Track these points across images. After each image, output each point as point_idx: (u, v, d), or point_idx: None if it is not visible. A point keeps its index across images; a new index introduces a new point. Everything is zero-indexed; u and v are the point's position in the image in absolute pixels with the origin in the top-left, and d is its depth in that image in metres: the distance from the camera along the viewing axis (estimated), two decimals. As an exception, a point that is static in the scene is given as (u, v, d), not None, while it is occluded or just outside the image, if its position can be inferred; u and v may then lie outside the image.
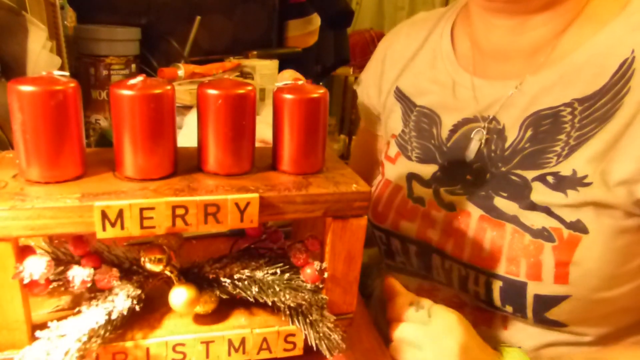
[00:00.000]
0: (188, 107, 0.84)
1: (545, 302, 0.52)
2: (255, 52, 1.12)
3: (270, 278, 0.42)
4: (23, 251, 0.37)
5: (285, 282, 0.42)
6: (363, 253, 0.85)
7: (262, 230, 0.48)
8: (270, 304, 0.42)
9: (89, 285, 0.39)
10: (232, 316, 0.44)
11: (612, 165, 0.49)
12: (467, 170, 0.58)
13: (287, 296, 0.41)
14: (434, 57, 0.67)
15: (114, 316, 0.39)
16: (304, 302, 0.42)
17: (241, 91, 0.40)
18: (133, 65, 1.08)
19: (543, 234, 0.51)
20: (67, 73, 0.38)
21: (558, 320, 0.53)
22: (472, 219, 0.56)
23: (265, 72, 0.98)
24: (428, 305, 0.49)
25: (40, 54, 0.76)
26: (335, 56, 1.55)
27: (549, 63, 0.54)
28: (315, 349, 0.43)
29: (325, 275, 0.44)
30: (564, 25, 0.54)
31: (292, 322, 0.43)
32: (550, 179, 0.52)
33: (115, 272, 0.40)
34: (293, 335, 0.44)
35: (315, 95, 0.42)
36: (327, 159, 0.47)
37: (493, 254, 0.54)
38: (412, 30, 0.72)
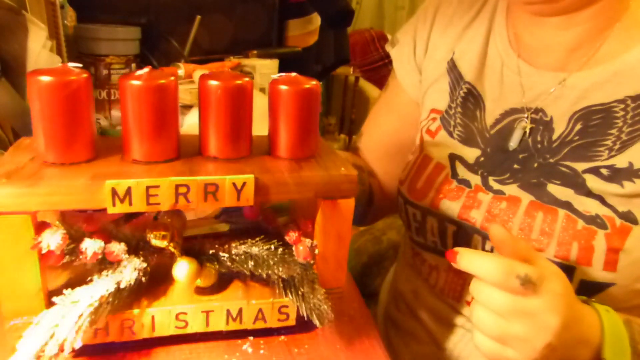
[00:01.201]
0: (188, 107, 0.85)
1: (590, 288, 0.53)
2: (255, 52, 1.13)
3: (265, 253, 0.46)
4: (40, 226, 0.41)
5: (278, 256, 0.46)
6: (363, 253, 0.88)
7: (259, 212, 0.52)
8: (264, 276, 0.46)
9: (99, 257, 0.43)
10: (230, 289, 0.48)
11: None
12: (513, 159, 0.59)
13: (280, 269, 0.45)
14: (488, 31, 0.66)
15: (122, 285, 0.43)
16: (296, 276, 0.46)
17: (239, 82, 0.44)
18: (133, 65, 1.07)
19: (596, 221, 0.52)
20: (80, 65, 0.42)
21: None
22: (522, 204, 0.56)
23: (265, 72, 0.99)
24: (536, 277, 0.42)
25: (40, 53, 0.76)
26: (336, 56, 1.55)
27: (596, 61, 0.56)
28: (306, 319, 0.47)
29: (316, 252, 0.47)
30: (608, 24, 0.55)
31: (285, 295, 0.47)
32: (604, 171, 0.53)
33: (123, 246, 0.44)
34: (286, 307, 0.48)
35: (308, 86, 0.46)
36: (319, 146, 0.50)
37: (544, 237, 0.54)
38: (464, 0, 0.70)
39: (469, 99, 0.64)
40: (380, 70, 3.08)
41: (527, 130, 0.58)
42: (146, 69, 0.43)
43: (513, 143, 0.59)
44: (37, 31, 0.77)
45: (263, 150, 0.49)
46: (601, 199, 0.53)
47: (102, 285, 0.42)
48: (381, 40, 3.04)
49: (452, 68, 0.67)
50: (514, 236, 0.46)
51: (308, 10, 1.32)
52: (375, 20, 3.35)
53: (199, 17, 1.07)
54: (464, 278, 0.61)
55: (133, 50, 1.07)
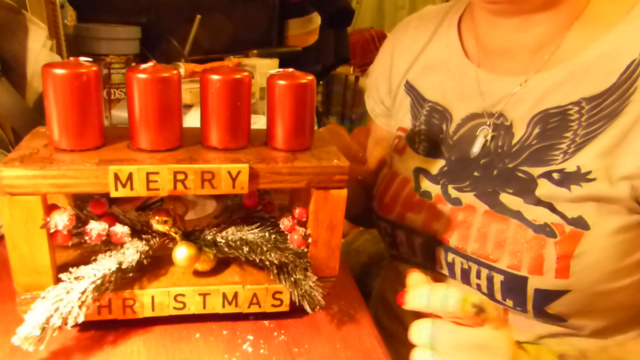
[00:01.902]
0: (188, 107, 0.85)
1: (545, 297, 0.53)
2: (255, 51, 1.13)
3: (259, 240, 0.48)
4: (50, 208, 0.45)
5: (272, 243, 0.48)
6: (362, 252, 0.89)
7: (257, 201, 0.54)
8: (258, 261, 0.48)
9: (104, 238, 0.46)
10: (227, 274, 0.51)
11: (617, 161, 0.50)
12: (475, 166, 0.59)
13: (273, 255, 0.47)
14: (442, 50, 0.67)
15: (124, 266, 0.46)
16: (288, 262, 0.48)
17: (238, 76, 0.47)
18: (133, 64, 1.06)
19: (545, 230, 0.53)
20: (90, 59, 0.45)
21: (557, 315, 0.55)
22: (477, 213, 0.58)
23: (265, 71, 0.97)
24: (487, 307, 0.39)
25: (41, 52, 0.77)
26: (336, 55, 1.56)
27: (556, 61, 0.56)
28: (297, 304, 0.48)
29: (310, 240, 0.49)
30: (568, 22, 0.55)
31: (279, 281, 0.49)
32: (555, 175, 0.53)
33: (127, 229, 0.47)
34: (280, 292, 0.50)
35: (304, 81, 0.48)
36: (316, 139, 0.52)
37: (496, 248, 0.55)
38: (420, 24, 0.73)
39: (433, 116, 0.65)
40: None
41: (489, 138, 0.59)
42: (150, 63, 0.45)
43: (475, 150, 0.60)
44: (37, 30, 0.77)
45: (261, 141, 0.51)
46: (550, 207, 0.53)
47: (105, 265, 0.45)
48: (381, 40, 3.04)
49: (411, 89, 0.70)
50: (431, 282, 0.42)
51: (308, 9, 1.33)
52: (376, 20, 3.36)
53: (199, 16, 1.08)
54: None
55: (133, 50, 1.07)
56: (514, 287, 0.54)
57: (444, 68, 0.66)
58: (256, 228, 0.50)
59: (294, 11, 1.31)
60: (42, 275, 0.44)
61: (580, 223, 0.51)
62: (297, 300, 0.48)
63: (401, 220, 0.64)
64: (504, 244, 0.54)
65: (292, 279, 0.48)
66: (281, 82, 0.48)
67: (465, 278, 0.59)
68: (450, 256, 0.60)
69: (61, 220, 0.43)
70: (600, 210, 0.51)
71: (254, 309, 0.50)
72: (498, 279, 0.55)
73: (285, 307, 0.50)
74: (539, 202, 0.53)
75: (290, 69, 0.49)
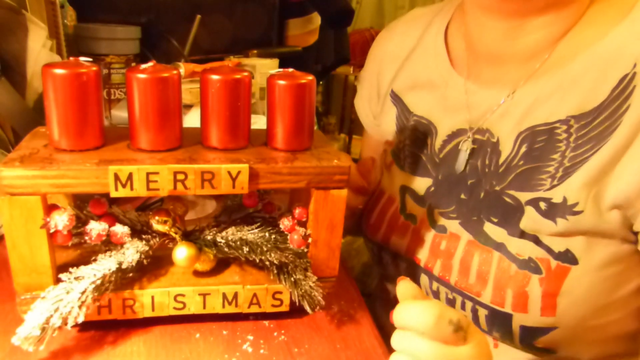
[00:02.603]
0: (188, 107, 0.85)
1: (532, 333, 0.51)
2: (255, 51, 1.12)
3: (259, 240, 0.48)
4: (50, 208, 0.45)
5: (272, 243, 0.48)
6: (363, 252, 0.89)
7: (257, 201, 0.54)
8: (258, 261, 0.48)
9: (104, 238, 0.46)
10: (227, 274, 0.51)
11: (605, 189, 0.46)
12: (462, 188, 0.57)
13: (273, 255, 0.47)
14: (428, 58, 0.64)
15: (124, 266, 0.46)
16: (288, 262, 0.48)
17: (237, 76, 0.47)
18: (133, 64, 1.05)
19: (529, 265, 0.50)
20: (90, 59, 0.45)
21: (546, 348, 0.53)
22: (461, 242, 0.55)
23: (265, 71, 0.96)
24: (466, 325, 0.39)
25: (40, 52, 0.76)
26: (336, 55, 1.55)
27: (544, 70, 0.52)
28: (297, 304, 0.48)
29: (310, 240, 0.49)
30: (563, 31, 0.51)
31: (279, 281, 0.49)
32: (542, 205, 0.50)
33: (127, 229, 0.47)
34: (280, 292, 0.50)
35: (303, 81, 0.48)
36: (316, 139, 0.52)
37: (479, 282, 0.53)
38: (406, 28, 0.69)
39: (418, 130, 0.62)
40: None
41: (468, 151, 0.56)
42: (151, 63, 0.45)
43: (458, 166, 0.57)
44: (37, 30, 0.77)
45: (261, 141, 0.51)
46: (535, 239, 0.50)
47: (105, 265, 0.45)
48: (381, 40, 3.04)
49: (396, 99, 0.66)
50: (423, 293, 0.42)
51: (308, 9, 1.32)
52: (376, 20, 3.35)
53: (199, 16, 1.07)
54: None
55: (133, 50, 1.06)
56: (499, 322, 0.53)
57: (429, 79, 0.62)
58: (256, 228, 0.50)
59: (294, 11, 1.30)
60: (42, 275, 0.44)
61: (567, 257, 0.49)
62: (297, 300, 0.48)
63: (386, 243, 0.63)
64: (487, 278, 0.52)
65: (292, 279, 0.48)
66: (281, 82, 0.47)
67: (451, 307, 0.57)
68: (435, 285, 0.58)
69: (61, 220, 0.43)
70: (589, 243, 0.48)
71: (254, 309, 0.50)
72: (482, 312, 0.53)
73: (285, 307, 0.50)
74: (523, 235, 0.51)
75: (290, 69, 0.49)
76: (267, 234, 0.49)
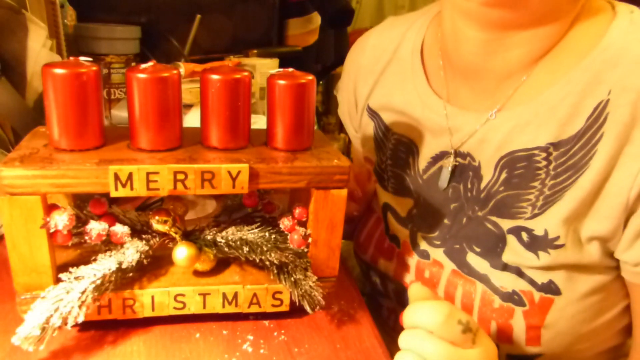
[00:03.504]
0: (188, 106, 0.85)
1: None
2: (255, 51, 1.12)
3: (259, 240, 0.48)
4: (50, 207, 0.45)
5: (272, 243, 0.48)
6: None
7: (257, 201, 0.54)
8: (258, 261, 0.48)
9: (103, 238, 0.46)
10: (227, 274, 0.51)
11: (585, 222, 0.47)
12: (445, 212, 0.56)
13: (273, 255, 0.47)
14: (405, 76, 0.61)
15: (124, 266, 0.46)
16: (288, 262, 0.48)
17: (238, 76, 0.47)
18: (133, 64, 1.05)
19: (513, 298, 0.50)
20: (90, 58, 0.45)
21: None
22: (445, 271, 0.55)
23: (265, 71, 0.97)
24: (475, 328, 0.40)
25: (40, 52, 0.76)
26: (336, 55, 1.55)
27: (522, 94, 0.50)
28: (297, 304, 0.48)
29: (310, 240, 0.49)
30: (543, 50, 0.49)
31: (279, 281, 0.49)
32: (524, 236, 0.50)
33: (127, 229, 0.47)
34: (280, 292, 0.50)
35: (303, 81, 0.48)
36: (316, 139, 0.52)
37: (464, 311, 0.52)
38: (379, 42, 0.66)
39: (399, 149, 0.61)
40: None
41: (450, 168, 0.55)
42: (151, 63, 0.45)
43: (441, 183, 0.56)
44: (37, 30, 0.77)
45: (261, 141, 0.51)
46: (518, 271, 0.50)
47: (105, 265, 0.45)
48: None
49: (373, 114, 0.64)
50: (434, 294, 0.43)
51: (308, 9, 1.32)
52: (376, 20, 3.34)
53: (199, 16, 1.07)
54: None
55: (133, 50, 1.06)
56: None
57: (407, 101, 0.59)
58: (256, 228, 0.50)
59: (294, 11, 1.31)
60: (42, 275, 0.44)
61: (550, 288, 0.49)
62: (297, 300, 0.48)
63: (374, 264, 0.63)
64: (471, 309, 0.53)
65: (292, 279, 0.48)
66: (281, 82, 0.47)
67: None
68: None
69: (61, 220, 0.43)
70: (571, 276, 0.49)
71: (254, 309, 0.50)
72: None
73: (285, 307, 0.50)
74: (506, 267, 0.51)
75: (290, 69, 0.49)
76: (267, 234, 0.49)
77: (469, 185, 0.54)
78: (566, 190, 0.47)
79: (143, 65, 0.45)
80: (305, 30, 1.33)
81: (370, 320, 0.54)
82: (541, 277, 0.49)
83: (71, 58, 0.45)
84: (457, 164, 0.54)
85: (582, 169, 0.46)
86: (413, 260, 0.58)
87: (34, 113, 0.73)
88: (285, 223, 0.50)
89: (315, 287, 0.48)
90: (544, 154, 0.48)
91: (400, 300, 0.60)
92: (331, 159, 0.48)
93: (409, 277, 0.58)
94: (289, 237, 0.50)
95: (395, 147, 0.61)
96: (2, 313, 0.49)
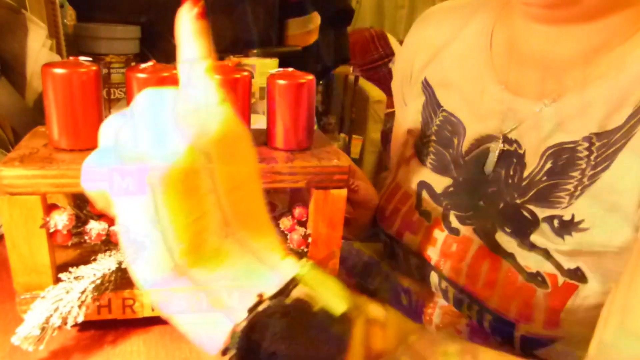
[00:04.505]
0: None
1: (533, 343, 0.51)
2: (255, 51, 1.13)
3: (259, 240, 0.48)
4: (50, 207, 0.45)
5: (272, 243, 0.48)
6: (364, 252, 0.89)
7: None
8: (258, 261, 0.48)
9: (103, 238, 0.46)
10: (227, 274, 0.51)
11: (616, 202, 0.46)
12: (482, 194, 0.55)
13: (273, 255, 0.47)
14: (468, 54, 0.60)
15: (124, 265, 0.46)
16: (288, 262, 0.48)
17: (237, 76, 0.47)
18: (133, 64, 1.05)
19: (537, 279, 0.50)
20: (90, 58, 0.45)
21: (546, 358, 0.52)
22: (472, 247, 0.55)
23: (265, 71, 0.97)
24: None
25: (40, 52, 0.76)
26: (336, 55, 1.56)
27: (579, 88, 0.50)
28: (297, 304, 0.48)
29: (310, 240, 0.49)
30: (606, 43, 0.48)
31: (279, 281, 0.49)
32: (555, 222, 0.49)
33: (126, 229, 0.47)
34: (280, 292, 0.50)
35: (303, 80, 0.48)
36: (316, 139, 0.52)
37: (486, 288, 0.53)
38: (443, 18, 0.66)
39: (445, 127, 0.60)
40: (380, 69, 3.08)
41: (497, 153, 0.54)
42: (150, 63, 0.45)
43: (487, 167, 0.55)
44: (37, 30, 0.77)
45: (261, 141, 0.51)
46: (545, 253, 0.50)
47: (105, 264, 0.45)
48: (381, 40, 3.04)
49: (427, 87, 0.64)
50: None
51: (308, 9, 1.33)
52: (375, 19, 3.36)
53: (199, 16, 1.08)
54: (435, 302, 0.61)
55: (133, 49, 1.07)
56: (502, 328, 0.53)
57: (465, 80, 0.60)
58: (256, 228, 0.50)
59: (293, 11, 1.31)
60: (42, 275, 0.44)
61: (576, 275, 0.48)
62: (297, 300, 0.48)
63: (399, 237, 0.63)
64: (494, 285, 0.52)
65: (292, 278, 0.48)
66: (281, 81, 0.48)
67: (458, 306, 0.57)
68: (444, 283, 0.58)
69: (61, 220, 0.43)
70: (599, 264, 0.47)
71: (254, 308, 0.50)
72: (487, 317, 0.54)
73: (285, 307, 0.50)
74: (533, 247, 0.50)
75: (290, 69, 0.49)
76: (267, 234, 0.49)
77: (511, 172, 0.53)
78: (597, 178, 0.47)
79: (143, 65, 0.45)
80: (305, 30, 1.33)
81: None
82: (568, 263, 0.48)
83: (71, 58, 0.45)
84: (505, 149, 0.54)
85: (616, 155, 0.46)
86: (442, 235, 0.58)
87: (34, 113, 0.73)
88: (285, 223, 0.50)
89: (315, 287, 0.48)
90: (586, 144, 0.48)
91: (423, 276, 0.60)
92: (331, 158, 0.48)
93: (434, 251, 0.58)
94: (289, 237, 0.50)
95: (442, 124, 0.61)
96: (2, 313, 0.49)
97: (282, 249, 0.31)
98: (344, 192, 0.48)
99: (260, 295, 0.28)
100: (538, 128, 0.52)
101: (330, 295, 0.29)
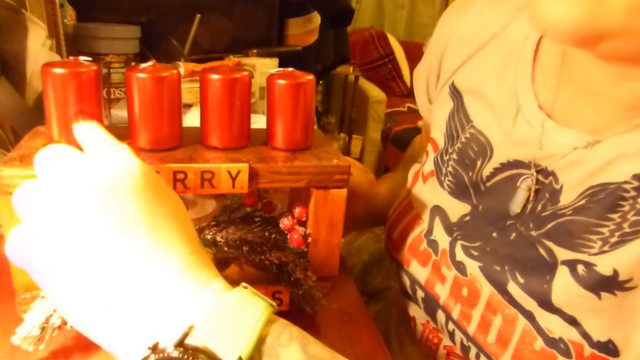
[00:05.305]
0: (188, 106, 0.85)
1: None
2: (255, 51, 1.13)
3: (259, 239, 0.48)
4: (50, 207, 0.44)
5: (272, 242, 0.48)
6: (363, 251, 0.90)
7: (257, 201, 0.54)
8: (258, 261, 0.48)
9: (103, 238, 0.46)
10: (227, 274, 0.51)
11: None
12: (497, 226, 0.48)
13: (273, 255, 0.47)
14: (507, 61, 0.50)
15: (124, 265, 0.46)
16: (288, 262, 0.48)
17: (237, 76, 0.47)
18: (133, 64, 1.03)
19: (559, 346, 0.43)
20: (90, 58, 0.45)
21: None
22: (483, 294, 0.48)
23: (265, 71, 0.97)
24: None
25: (40, 52, 0.76)
26: (336, 55, 1.56)
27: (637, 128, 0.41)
28: (297, 304, 0.48)
29: (309, 240, 0.49)
30: None
31: (279, 281, 0.49)
32: (580, 269, 0.41)
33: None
34: (280, 292, 0.50)
35: (303, 80, 0.48)
36: (316, 139, 0.52)
37: (499, 345, 0.46)
38: (487, 7, 0.54)
39: (471, 146, 0.52)
40: (380, 69, 3.09)
41: (532, 192, 0.46)
42: (150, 63, 0.45)
43: (514, 206, 0.47)
44: (37, 30, 0.77)
45: (261, 141, 0.51)
46: (572, 320, 0.42)
47: (105, 264, 0.45)
48: (381, 39, 3.05)
49: (455, 94, 0.55)
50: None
51: (308, 9, 1.33)
52: (375, 19, 3.37)
53: (198, 16, 1.08)
54: (440, 338, 0.57)
55: (133, 49, 1.07)
56: None
57: (501, 89, 0.50)
58: (256, 227, 0.50)
59: (293, 10, 1.31)
60: (42, 275, 0.44)
61: (607, 348, 0.41)
62: (297, 300, 0.48)
63: (406, 265, 0.56)
64: (508, 343, 0.46)
65: (292, 278, 0.48)
66: (281, 81, 0.48)
67: (465, 352, 0.52)
68: (451, 326, 0.52)
69: (61, 219, 0.43)
70: (635, 335, 0.39)
71: (254, 308, 0.50)
72: None
73: (285, 307, 0.50)
74: (556, 311, 0.43)
75: (290, 69, 0.49)
76: (266, 234, 0.49)
77: (539, 207, 0.46)
78: None
79: (143, 65, 0.45)
80: (305, 29, 1.33)
81: (370, 320, 0.54)
82: (599, 334, 0.41)
83: (71, 58, 0.45)
84: (539, 187, 0.46)
85: None
86: (450, 273, 0.51)
87: (34, 113, 0.73)
88: (285, 223, 0.50)
89: (315, 287, 0.48)
90: (635, 183, 0.40)
91: (429, 311, 0.54)
92: (331, 158, 0.48)
93: (442, 290, 0.52)
94: (288, 236, 0.50)
95: (468, 142, 0.52)
96: (2, 312, 0.49)
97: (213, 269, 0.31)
98: (344, 192, 0.48)
99: (154, 347, 0.27)
100: (582, 164, 0.43)
101: (226, 345, 0.27)
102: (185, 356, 0.26)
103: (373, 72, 3.09)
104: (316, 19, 1.38)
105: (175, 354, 0.27)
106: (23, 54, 0.74)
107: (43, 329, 0.41)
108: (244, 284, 0.32)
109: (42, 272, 0.30)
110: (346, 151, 2.75)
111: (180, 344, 0.27)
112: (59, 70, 0.43)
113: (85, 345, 0.46)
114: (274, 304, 0.31)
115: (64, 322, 0.42)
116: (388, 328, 0.68)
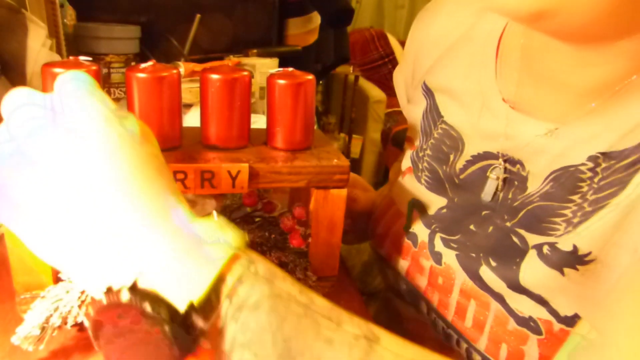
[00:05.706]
0: (188, 106, 0.85)
1: None
2: (255, 51, 1.13)
3: (259, 239, 0.48)
4: (50, 207, 0.45)
5: (272, 242, 0.48)
6: (363, 251, 0.90)
7: (257, 201, 0.54)
8: (258, 261, 0.48)
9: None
10: (227, 273, 0.51)
11: (625, 235, 0.40)
12: (475, 219, 0.50)
13: (273, 255, 0.47)
14: (472, 60, 0.53)
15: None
16: (288, 262, 0.48)
17: (237, 76, 0.47)
18: (133, 64, 1.05)
19: (530, 325, 0.45)
20: (90, 58, 0.45)
21: None
22: (457, 281, 0.51)
23: (265, 71, 0.98)
24: None
25: (40, 52, 0.76)
26: (335, 54, 1.56)
27: (596, 112, 0.43)
28: (297, 303, 0.48)
29: (309, 240, 0.49)
30: (634, 70, 0.41)
31: (279, 280, 0.49)
32: (545, 249, 0.44)
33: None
34: (280, 292, 0.50)
35: (303, 80, 0.48)
36: (316, 138, 0.52)
37: (475, 329, 0.49)
38: (456, 9, 0.56)
39: (443, 141, 0.54)
40: (380, 69, 3.09)
41: (500, 182, 0.48)
42: (150, 62, 0.45)
43: (485, 196, 0.49)
44: (37, 30, 0.77)
45: (261, 141, 0.51)
46: (540, 299, 0.44)
47: (105, 264, 0.45)
48: (381, 39, 3.05)
49: (428, 93, 0.57)
50: None
51: (308, 9, 1.33)
52: (375, 19, 3.36)
53: (199, 15, 1.08)
54: (425, 330, 0.57)
55: (133, 49, 1.07)
56: None
57: (468, 89, 0.52)
58: (256, 227, 0.50)
59: (293, 10, 1.31)
60: (42, 275, 0.44)
61: (573, 322, 0.43)
62: (297, 300, 0.48)
63: (389, 260, 0.59)
64: (483, 327, 0.49)
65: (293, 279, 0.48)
66: (281, 81, 0.48)
67: (446, 339, 0.54)
68: (433, 315, 0.55)
69: (61, 219, 0.43)
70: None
71: (254, 308, 0.50)
72: (476, 357, 0.50)
73: (285, 307, 0.50)
74: (524, 291, 0.45)
75: (290, 69, 0.49)
76: (266, 234, 0.49)
77: (510, 195, 0.48)
78: (605, 206, 0.41)
79: (143, 65, 0.45)
80: (305, 29, 1.33)
81: (370, 319, 0.53)
82: (566, 310, 0.43)
83: (71, 57, 0.45)
84: (507, 176, 0.48)
85: (627, 182, 0.40)
86: (427, 263, 0.54)
87: (34, 113, 0.73)
88: (285, 223, 0.50)
89: (315, 287, 0.48)
90: (590, 164, 0.42)
91: (414, 303, 0.56)
92: (331, 158, 0.48)
93: (422, 280, 0.54)
94: (288, 236, 0.50)
95: (441, 137, 0.55)
96: (2, 312, 0.49)
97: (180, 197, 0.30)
98: (344, 192, 0.48)
99: (108, 290, 0.26)
100: (545, 151, 0.46)
101: (179, 288, 0.27)
102: (133, 302, 0.26)
103: (373, 72, 3.09)
104: (316, 19, 1.38)
105: (124, 298, 0.26)
106: (23, 54, 0.75)
107: (43, 329, 0.41)
108: (215, 214, 0.30)
109: (13, 196, 0.29)
110: (346, 151, 2.75)
111: (134, 287, 0.26)
112: (59, 70, 0.43)
113: (85, 345, 0.46)
114: (245, 235, 0.29)
115: (64, 322, 0.42)
116: (388, 328, 0.68)
